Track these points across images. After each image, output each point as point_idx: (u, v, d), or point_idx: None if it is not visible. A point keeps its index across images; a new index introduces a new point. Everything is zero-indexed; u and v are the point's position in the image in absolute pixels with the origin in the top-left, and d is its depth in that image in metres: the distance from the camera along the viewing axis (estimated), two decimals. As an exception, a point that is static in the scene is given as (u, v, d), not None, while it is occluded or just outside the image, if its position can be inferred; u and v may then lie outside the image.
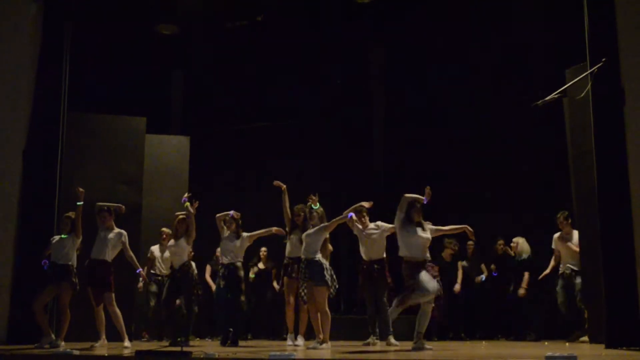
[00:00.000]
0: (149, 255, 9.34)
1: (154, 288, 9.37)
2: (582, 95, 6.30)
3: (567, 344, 7.48)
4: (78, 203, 7.07)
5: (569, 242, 8.08)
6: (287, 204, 7.76)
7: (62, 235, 7.19)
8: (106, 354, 5.27)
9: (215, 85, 11.90)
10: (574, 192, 7.90)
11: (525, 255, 8.88)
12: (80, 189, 7.09)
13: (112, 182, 9.01)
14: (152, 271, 9.41)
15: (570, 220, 8.10)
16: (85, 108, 9.03)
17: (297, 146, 11.63)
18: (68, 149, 8.00)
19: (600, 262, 6.04)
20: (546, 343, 7.90)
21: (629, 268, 5.86)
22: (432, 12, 10.35)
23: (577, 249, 7.85)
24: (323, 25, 10.83)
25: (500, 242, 9.22)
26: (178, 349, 5.02)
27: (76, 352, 5.30)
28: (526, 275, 8.75)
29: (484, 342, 8.50)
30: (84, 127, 8.97)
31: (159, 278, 9.39)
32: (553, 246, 8.27)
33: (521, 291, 8.71)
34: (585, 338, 7.56)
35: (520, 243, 8.95)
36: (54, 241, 7.22)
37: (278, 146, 11.73)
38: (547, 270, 8.36)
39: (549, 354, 4.59)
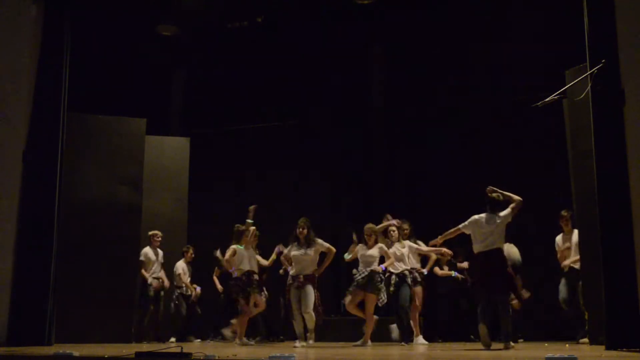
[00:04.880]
0: (142, 258, 9.37)
1: (152, 292, 9.39)
2: (582, 96, 6.29)
3: (567, 345, 7.47)
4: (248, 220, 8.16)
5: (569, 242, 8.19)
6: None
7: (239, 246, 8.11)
8: (106, 355, 5.25)
9: (215, 86, 11.90)
10: (574, 192, 7.90)
11: (511, 262, 8.88)
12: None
13: (112, 183, 9.03)
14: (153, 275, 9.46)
15: (570, 221, 8.23)
16: (85, 108, 9.03)
17: (297, 147, 11.63)
18: (68, 149, 7.98)
19: (600, 262, 6.03)
20: (546, 344, 7.90)
21: (629, 268, 5.85)
22: (432, 12, 10.36)
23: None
24: (323, 25, 10.83)
25: None
26: (178, 349, 5.00)
27: (76, 353, 5.29)
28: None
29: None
30: (84, 128, 8.98)
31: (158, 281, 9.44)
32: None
33: (525, 294, 8.71)
34: (586, 340, 7.58)
35: (506, 249, 8.94)
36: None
37: (278, 147, 11.73)
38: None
39: (549, 355, 4.58)
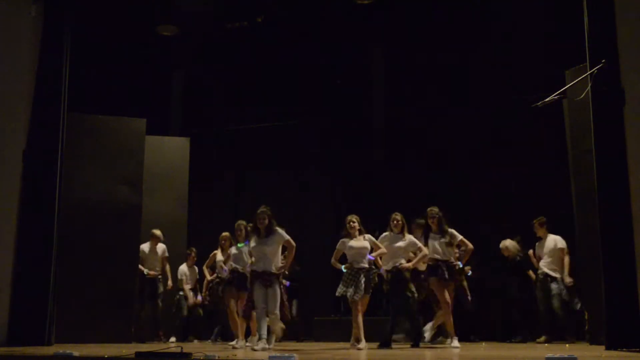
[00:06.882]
0: (140, 254, 9.37)
1: (147, 289, 9.40)
2: (582, 96, 6.29)
3: (567, 345, 7.48)
4: None
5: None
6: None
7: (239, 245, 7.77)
8: (106, 355, 5.25)
9: (215, 86, 11.90)
10: (574, 192, 7.90)
11: (518, 257, 8.99)
12: None
13: (112, 183, 9.02)
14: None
15: (545, 226, 8.61)
16: (86, 109, 9.03)
17: (297, 146, 11.64)
18: (68, 149, 7.97)
19: (600, 262, 6.03)
20: (546, 344, 7.90)
21: (629, 268, 5.85)
22: (432, 12, 10.37)
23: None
24: (323, 25, 10.83)
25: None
26: (178, 349, 5.00)
27: (76, 353, 5.29)
28: (530, 272, 8.98)
29: (483, 343, 8.50)
30: (84, 128, 8.96)
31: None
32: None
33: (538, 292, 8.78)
34: (542, 339, 8.12)
35: (509, 246, 8.99)
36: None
37: (278, 147, 11.74)
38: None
39: (549, 355, 4.58)
